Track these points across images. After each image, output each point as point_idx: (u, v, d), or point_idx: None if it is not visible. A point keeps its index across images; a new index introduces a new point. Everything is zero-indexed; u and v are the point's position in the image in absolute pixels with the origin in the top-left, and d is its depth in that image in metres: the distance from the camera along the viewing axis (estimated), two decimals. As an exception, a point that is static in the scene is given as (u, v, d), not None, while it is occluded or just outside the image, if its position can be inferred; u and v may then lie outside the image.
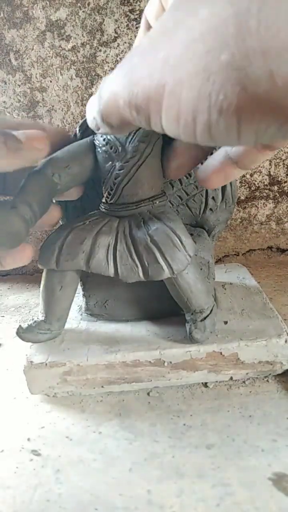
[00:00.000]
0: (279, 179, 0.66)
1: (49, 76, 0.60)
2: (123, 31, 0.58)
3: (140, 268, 0.35)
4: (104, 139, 0.36)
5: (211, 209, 0.43)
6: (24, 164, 0.29)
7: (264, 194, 0.67)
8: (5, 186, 0.34)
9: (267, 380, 0.38)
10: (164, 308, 0.41)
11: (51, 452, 0.32)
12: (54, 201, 0.35)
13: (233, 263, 0.57)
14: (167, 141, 0.35)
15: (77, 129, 0.40)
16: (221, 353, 0.37)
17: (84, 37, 0.58)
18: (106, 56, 0.59)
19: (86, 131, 0.42)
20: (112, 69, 0.61)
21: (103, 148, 0.35)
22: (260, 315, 0.41)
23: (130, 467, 0.30)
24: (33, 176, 0.31)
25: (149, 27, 0.24)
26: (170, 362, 0.36)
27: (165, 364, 0.36)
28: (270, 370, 0.38)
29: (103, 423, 0.35)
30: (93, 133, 0.39)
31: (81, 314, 0.44)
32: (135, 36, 0.52)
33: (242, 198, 0.67)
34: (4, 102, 0.62)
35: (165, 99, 0.15)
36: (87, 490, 0.28)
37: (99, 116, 0.20)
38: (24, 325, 0.39)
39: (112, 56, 0.59)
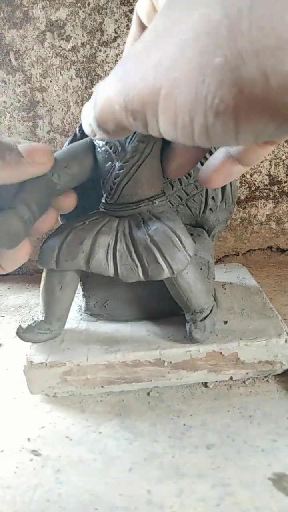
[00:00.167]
0: (279, 179, 0.66)
1: (49, 76, 0.60)
2: (123, 31, 0.58)
3: (140, 268, 0.35)
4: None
5: (211, 209, 0.43)
6: (26, 178, 0.29)
7: (264, 194, 0.67)
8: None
9: (267, 380, 0.38)
10: (164, 308, 0.41)
11: (51, 452, 0.32)
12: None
13: (233, 263, 0.57)
14: (166, 142, 0.35)
15: (77, 129, 0.40)
16: (221, 353, 0.37)
17: (84, 37, 0.58)
18: (106, 56, 0.59)
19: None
20: (112, 69, 0.61)
21: (103, 148, 0.35)
22: (260, 315, 0.41)
23: (130, 467, 0.30)
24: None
25: (140, 22, 0.23)
26: (170, 362, 0.36)
27: (165, 364, 0.36)
28: (270, 370, 0.38)
29: (103, 423, 0.35)
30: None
31: (81, 314, 0.44)
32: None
33: (242, 198, 0.67)
34: (4, 102, 0.62)
35: (161, 103, 0.15)
36: (87, 490, 0.28)
37: (95, 122, 0.20)
38: (24, 325, 0.39)
39: (112, 56, 0.59)
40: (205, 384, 0.38)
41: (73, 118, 0.63)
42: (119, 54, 0.59)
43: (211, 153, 0.40)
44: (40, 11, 0.57)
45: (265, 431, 0.32)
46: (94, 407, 0.37)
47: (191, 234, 0.39)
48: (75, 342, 0.39)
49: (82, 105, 0.62)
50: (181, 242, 0.34)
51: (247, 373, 0.38)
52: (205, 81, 0.13)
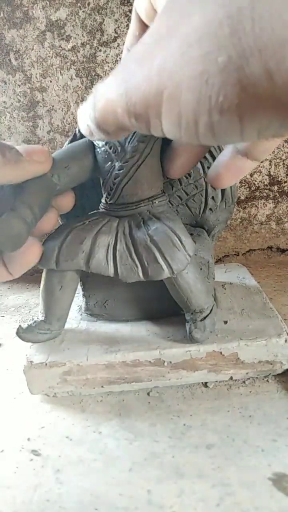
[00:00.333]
0: (279, 179, 0.66)
1: (49, 76, 0.60)
2: (123, 31, 0.58)
3: (139, 268, 0.35)
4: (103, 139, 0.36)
5: (210, 209, 0.43)
6: (27, 177, 0.29)
7: (264, 194, 0.67)
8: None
9: (267, 380, 0.38)
10: (164, 308, 0.41)
11: (51, 452, 0.32)
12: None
13: (233, 263, 0.57)
14: (166, 142, 0.35)
15: (77, 129, 0.40)
16: (221, 352, 0.37)
17: (84, 37, 0.58)
18: (106, 56, 0.59)
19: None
20: (112, 69, 0.61)
21: (102, 148, 0.35)
22: (260, 314, 0.41)
23: (130, 467, 0.30)
24: (32, 178, 0.31)
25: (139, 19, 0.24)
26: (170, 362, 0.36)
27: (165, 364, 0.36)
28: (270, 369, 0.38)
29: (103, 423, 0.35)
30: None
31: (81, 314, 0.44)
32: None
33: (242, 198, 0.67)
34: (4, 102, 0.62)
35: (164, 104, 0.15)
36: (87, 490, 0.28)
37: (93, 123, 0.20)
38: (24, 325, 0.39)
39: (112, 56, 0.59)
40: (205, 384, 0.38)
41: (73, 118, 0.63)
42: (119, 54, 0.59)
43: (210, 152, 0.40)
44: (40, 11, 0.57)
45: (265, 431, 0.32)
46: (94, 407, 0.37)
47: (191, 234, 0.39)
48: (75, 342, 0.39)
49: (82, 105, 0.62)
50: (181, 242, 0.34)
51: (247, 373, 0.38)
52: (208, 81, 0.14)
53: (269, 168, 0.65)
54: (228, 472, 0.29)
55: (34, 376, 0.37)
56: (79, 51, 0.59)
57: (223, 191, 0.42)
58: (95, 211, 0.39)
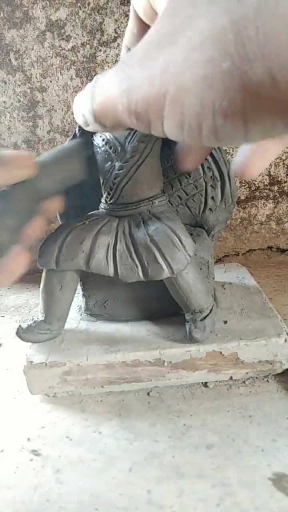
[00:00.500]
0: (279, 179, 0.66)
1: (49, 76, 0.60)
2: (123, 31, 0.58)
3: (139, 268, 0.35)
4: (103, 139, 0.36)
5: (210, 209, 0.43)
6: (11, 181, 0.28)
7: (264, 194, 0.67)
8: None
9: (267, 380, 0.38)
10: (164, 308, 0.41)
11: (51, 452, 0.32)
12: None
13: (232, 263, 0.57)
14: (166, 141, 0.35)
15: (77, 129, 0.40)
16: (221, 352, 0.37)
17: (84, 37, 0.58)
18: (106, 56, 0.59)
19: (86, 131, 0.42)
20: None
21: (102, 148, 0.35)
22: (259, 314, 0.41)
23: (130, 467, 0.30)
24: (17, 183, 0.30)
25: (137, 16, 0.23)
26: (170, 362, 0.36)
27: (165, 364, 0.36)
28: (270, 369, 0.38)
29: (103, 423, 0.35)
30: (92, 134, 0.39)
31: (81, 314, 0.44)
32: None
33: (242, 198, 0.67)
34: (4, 102, 0.62)
35: (167, 106, 0.16)
36: (87, 490, 0.28)
37: (91, 115, 0.20)
38: (24, 325, 0.39)
39: (112, 56, 0.59)
40: (205, 384, 0.38)
41: (73, 118, 0.63)
42: (119, 54, 0.59)
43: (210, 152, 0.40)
44: (40, 11, 0.57)
45: (265, 431, 0.32)
46: (94, 407, 0.37)
47: (191, 234, 0.39)
48: (75, 342, 0.39)
49: (82, 105, 0.62)
50: (181, 242, 0.34)
51: (247, 373, 0.38)
52: (212, 86, 0.14)
53: (269, 168, 0.65)
54: (228, 472, 0.29)
55: (34, 376, 0.37)
56: (79, 51, 0.59)
57: (223, 191, 0.42)
58: (95, 211, 0.39)
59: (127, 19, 0.58)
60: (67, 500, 0.28)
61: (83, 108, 0.21)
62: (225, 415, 0.34)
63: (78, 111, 0.22)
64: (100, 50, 0.59)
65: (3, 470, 0.31)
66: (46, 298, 0.39)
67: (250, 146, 0.26)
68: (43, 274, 0.39)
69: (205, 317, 0.37)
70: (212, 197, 0.42)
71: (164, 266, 0.34)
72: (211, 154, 0.41)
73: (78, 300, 0.44)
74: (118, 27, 0.58)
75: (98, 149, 0.35)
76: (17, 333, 0.38)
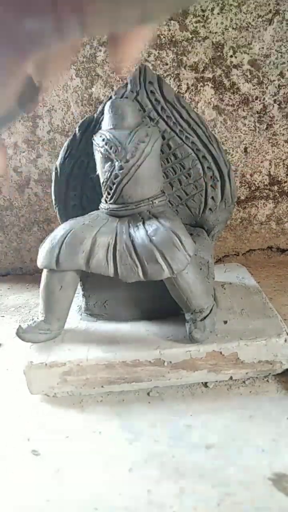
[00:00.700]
0: (279, 179, 0.66)
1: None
2: (123, 31, 0.58)
3: (139, 268, 0.35)
4: (103, 139, 0.36)
5: (210, 209, 0.43)
6: None
7: (264, 194, 0.67)
8: None
9: (267, 380, 0.38)
10: (164, 308, 0.41)
11: (51, 452, 0.32)
12: None
13: (232, 263, 0.57)
14: (166, 142, 0.35)
15: (77, 129, 0.40)
16: (221, 352, 0.37)
17: (84, 37, 0.58)
18: (106, 56, 0.59)
19: (85, 131, 0.42)
20: (112, 68, 0.61)
21: (102, 148, 0.35)
22: (259, 314, 0.41)
23: (130, 467, 0.30)
24: None
25: None
26: (170, 362, 0.36)
27: (165, 364, 0.36)
28: (270, 369, 0.38)
29: (103, 423, 0.35)
30: (92, 133, 0.39)
31: (81, 314, 0.44)
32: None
33: (242, 198, 0.67)
34: (4, 102, 0.62)
35: None
36: (87, 490, 0.28)
37: None
38: (24, 325, 0.39)
39: (112, 56, 0.59)
40: (205, 384, 0.38)
41: (73, 118, 0.63)
42: (119, 54, 0.59)
43: (210, 152, 0.40)
44: (40, 11, 0.57)
45: (265, 431, 0.32)
46: (94, 407, 0.37)
47: (191, 234, 0.39)
48: (75, 342, 0.39)
49: (82, 105, 0.62)
50: (181, 242, 0.34)
51: (247, 373, 0.38)
52: None
53: (269, 168, 0.65)
54: (228, 472, 0.29)
55: (34, 376, 0.37)
56: (79, 51, 0.59)
57: (223, 191, 0.42)
58: (95, 211, 0.39)
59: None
60: (67, 500, 0.28)
61: None
62: (225, 415, 0.34)
63: None
64: (100, 50, 0.59)
65: (3, 470, 0.31)
66: (46, 298, 0.39)
67: None
68: (43, 274, 0.38)
69: (205, 317, 0.37)
70: (212, 197, 0.42)
71: (164, 266, 0.34)
72: (211, 154, 0.41)
73: (78, 300, 0.44)
74: (118, 27, 0.58)
75: (98, 149, 0.35)
76: (17, 333, 0.38)
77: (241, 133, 0.63)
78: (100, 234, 0.35)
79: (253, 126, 0.62)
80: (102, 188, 0.37)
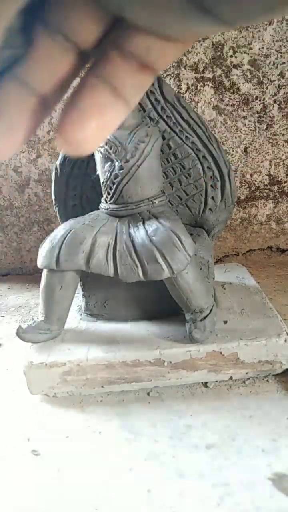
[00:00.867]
0: (279, 179, 0.66)
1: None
2: (123, 31, 0.58)
3: (139, 268, 0.35)
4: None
5: (210, 209, 0.43)
6: None
7: (264, 194, 0.67)
8: None
9: (267, 380, 0.38)
10: (164, 308, 0.41)
11: (51, 452, 0.32)
12: None
13: (232, 263, 0.57)
14: (166, 142, 0.35)
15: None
16: (221, 352, 0.37)
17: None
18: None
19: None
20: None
21: (102, 148, 0.35)
22: (259, 314, 0.41)
23: (130, 467, 0.30)
24: None
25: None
26: (170, 362, 0.36)
27: (165, 364, 0.36)
28: (270, 369, 0.38)
29: (103, 423, 0.35)
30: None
31: (81, 314, 0.44)
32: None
33: (242, 198, 0.67)
34: (4, 102, 0.62)
35: None
36: (87, 490, 0.28)
37: None
38: (24, 325, 0.39)
39: (112, 56, 0.59)
40: (205, 384, 0.38)
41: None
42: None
43: (210, 152, 0.40)
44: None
45: (265, 431, 0.32)
46: (94, 407, 0.37)
47: (191, 234, 0.39)
48: (75, 342, 0.39)
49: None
50: (181, 242, 0.34)
51: (247, 373, 0.38)
52: None
53: (269, 168, 0.65)
54: (228, 472, 0.29)
55: (34, 376, 0.37)
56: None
57: (223, 191, 0.42)
58: (95, 211, 0.39)
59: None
60: (67, 500, 0.28)
61: None
62: (225, 415, 0.34)
63: None
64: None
65: (3, 470, 0.31)
66: (46, 298, 0.39)
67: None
68: (43, 274, 0.38)
69: (205, 317, 0.37)
70: (212, 197, 0.42)
71: (164, 266, 0.34)
72: (211, 154, 0.41)
73: (78, 300, 0.44)
74: (118, 27, 0.58)
75: (98, 149, 0.35)
76: (17, 333, 0.38)
77: (241, 133, 0.63)
78: (100, 234, 0.35)
79: (253, 126, 0.62)
80: (102, 188, 0.37)
